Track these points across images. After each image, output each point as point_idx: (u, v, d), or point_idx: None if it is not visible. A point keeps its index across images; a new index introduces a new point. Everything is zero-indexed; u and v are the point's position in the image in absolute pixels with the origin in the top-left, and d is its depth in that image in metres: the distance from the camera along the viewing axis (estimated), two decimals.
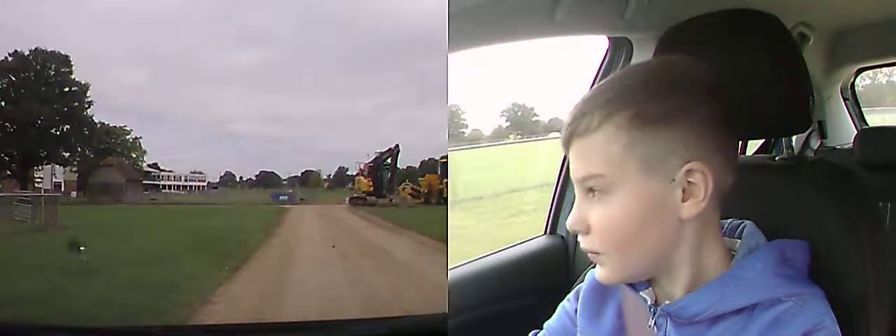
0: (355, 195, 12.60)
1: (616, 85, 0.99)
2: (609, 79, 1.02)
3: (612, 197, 0.96)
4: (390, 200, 11.94)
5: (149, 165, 12.23)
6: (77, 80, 9.63)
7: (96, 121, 10.49)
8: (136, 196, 11.34)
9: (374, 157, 12.57)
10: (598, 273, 1.03)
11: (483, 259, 2.01)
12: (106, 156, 11.07)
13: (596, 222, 0.97)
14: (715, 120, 0.96)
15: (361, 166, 12.82)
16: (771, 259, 1.00)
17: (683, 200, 0.96)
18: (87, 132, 10.24)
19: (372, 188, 12.42)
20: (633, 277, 1.04)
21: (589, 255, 1.02)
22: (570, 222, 1.00)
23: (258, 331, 1.64)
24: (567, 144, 1.00)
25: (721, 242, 1.03)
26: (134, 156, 11.87)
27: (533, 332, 1.23)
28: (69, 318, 3.77)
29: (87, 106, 9.89)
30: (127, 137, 11.74)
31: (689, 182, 0.95)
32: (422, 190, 11.56)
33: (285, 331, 1.57)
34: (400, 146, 12.23)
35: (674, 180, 0.95)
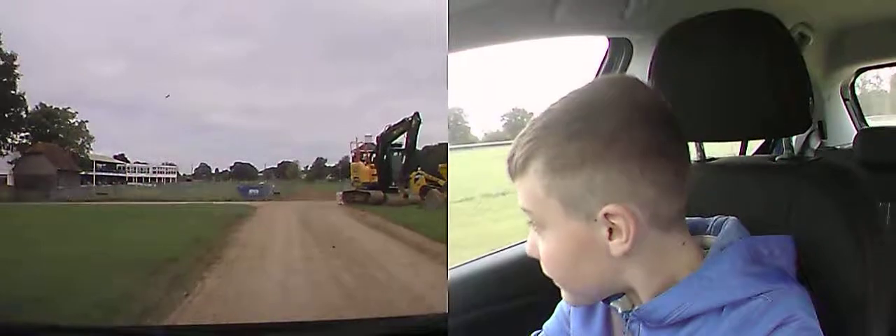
0: (352, 188, 9.17)
1: (538, 123, 0.98)
2: (543, 111, 1.00)
3: (545, 233, 1.00)
4: (405, 196, 8.56)
5: (115, 156, 10.81)
6: (3, 51, 7.67)
7: (39, 102, 8.54)
8: (72, 190, 9.30)
9: (381, 132, 8.88)
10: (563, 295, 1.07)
11: (483, 259, 2.01)
12: (47, 142, 9.05)
13: (541, 253, 1.02)
14: (643, 153, 0.92)
15: (358, 148, 9.41)
16: (739, 258, 0.98)
17: (610, 239, 0.95)
18: (17, 114, 8.19)
19: (376, 178, 8.95)
20: (589, 301, 1.08)
21: None
22: (527, 249, 1.04)
23: (258, 330, 1.64)
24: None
25: (690, 245, 1.00)
26: (79, 142, 9.80)
27: (534, 333, 1.23)
28: None
29: (14, 80, 7.84)
30: (71, 121, 9.63)
31: (612, 223, 0.94)
32: (443, 181, 8.34)
33: (285, 331, 1.57)
34: (420, 116, 8.54)
35: (596, 220, 0.94)
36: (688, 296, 0.96)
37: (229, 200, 9.34)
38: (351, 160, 9.41)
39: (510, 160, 1.00)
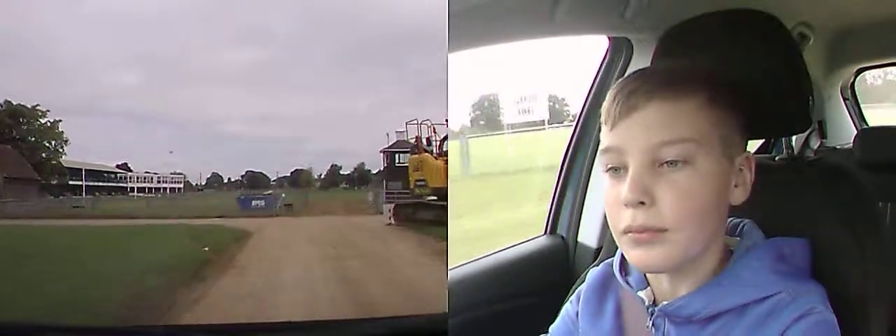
0: (409, 199, 5.96)
1: (686, 67, 1.04)
2: (670, 63, 1.08)
3: (692, 167, 0.96)
4: None
5: (118, 165, 10.16)
6: None
7: (3, 100, 7.46)
8: (30, 204, 7.42)
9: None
10: (648, 256, 0.96)
11: (483, 259, 2.01)
12: (17, 145, 7.68)
13: (670, 193, 0.95)
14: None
15: (420, 133, 6.10)
16: (767, 258, 1.01)
17: (735, 186, 1.01)
18: None
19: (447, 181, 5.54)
20: (685, 261, 0.98)
21: (640, 236, 0.95)
22: (631, 195, 0.94)
23: (258, 331, 1.64)
24: (634, 110, 0.96)
25: (723, 241, 1.05)
26: (50, 145, 8.55)
27: None
28: None
29: None
30: (41, 121, 8.39)
31: (740, 169, 1.01)
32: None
33: (285, 331, 1.56)
34: None
35: (734, 163, 1.00)
36: (720, 292, 0.99)
37: (221, 216, 6.49)
38: (412, 152, 5.99)
39: (664, 84, 0.96)
